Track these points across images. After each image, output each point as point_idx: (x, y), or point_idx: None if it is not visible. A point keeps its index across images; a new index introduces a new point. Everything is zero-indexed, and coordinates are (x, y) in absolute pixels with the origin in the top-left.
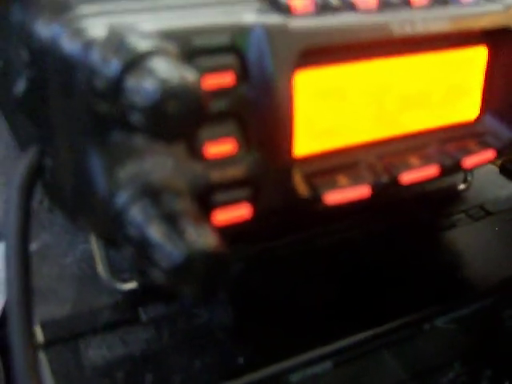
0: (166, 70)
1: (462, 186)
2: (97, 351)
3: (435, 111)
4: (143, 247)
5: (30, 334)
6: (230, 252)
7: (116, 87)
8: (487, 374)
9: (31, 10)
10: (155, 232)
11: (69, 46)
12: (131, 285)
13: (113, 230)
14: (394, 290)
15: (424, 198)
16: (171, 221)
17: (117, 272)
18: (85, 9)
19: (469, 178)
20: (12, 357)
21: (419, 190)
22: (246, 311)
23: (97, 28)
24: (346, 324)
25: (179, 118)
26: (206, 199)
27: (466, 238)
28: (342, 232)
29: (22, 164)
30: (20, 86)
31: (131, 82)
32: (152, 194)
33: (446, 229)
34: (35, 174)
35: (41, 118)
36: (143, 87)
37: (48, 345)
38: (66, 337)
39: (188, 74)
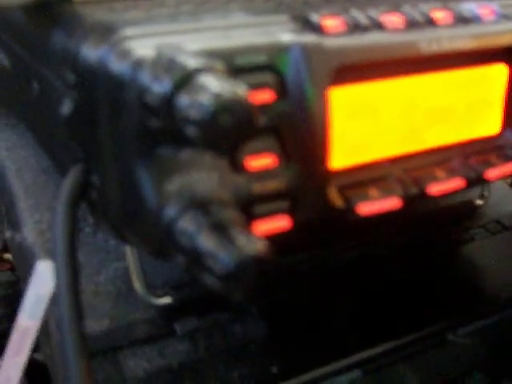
0: (218, 85)
1: (479, 202)
2: (136, 363)
3: (459, 126)
4: (195, 256)
5: (85, 346)
6: (277, 258)
7: (168, 103)
8: None
9: (76, 35)
10: (207, 240)
11: (117, 66)
12: (166, 300)
13: (162, 242)
14: (417, 302)
15: (443, 213)
16: (221, 230)
17: (152, 288)
18: (130, 31)
19: (485, 194)
20: (66, 367)
21: (438, 205)
22: (277, 325)
23: (144, 48)
24: (372, 335)
25: (232, 130)
26: (247, 211)
27: (485, 252)
28: (364, 247)
29: (67, 183)
30: (66, 108)
31: (184, 97)
32: (200, 205)
33: (465, 243)
34: (80, 192)
35: (87, 137)
36: (198, 102)
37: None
38: (105, 349)
39: (238, 89)
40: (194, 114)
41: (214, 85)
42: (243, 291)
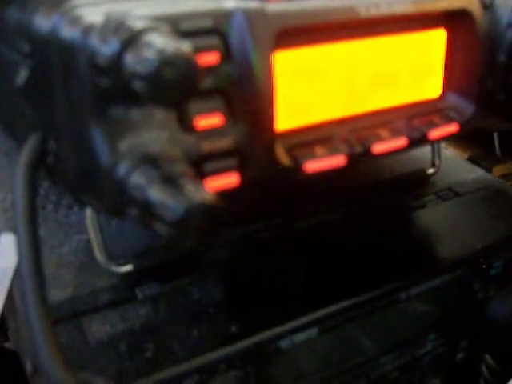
0: (162, 41)
1: (430, 171)
2: (99, 327)
3: (401, 89)
4: (147, 207)
5: (48, 310)
6: (221, 203)
7: (117, 62)
8: (463, 345)
9: (28, 7)
10: (157, 191)
11: (68, 33)
12: (127, 267)
13: (116, 198)
14: (371, 265)
15: (396, 182)
16: (171, 181)
17: (113, 257)
18: (79, 0)
19: (436, 163)
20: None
21: (391, 174)
22: (235, 288)
23: (93, 15)
24: (329, 295)
25: (176, 84)
26: (197, 168)
27: (437, 217)
28: (319, 216)
29: (25, 150)
30: (22, 77)
31: (131, 55)
32: (151, 161)
33: (418, 209)
34: (38, 158)
35: (43, 104)
36: (143, 57)
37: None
38: (69, 316)
39: (181, 45)
40: (140, 69)
41: (159, 41)
42: (192, 236)
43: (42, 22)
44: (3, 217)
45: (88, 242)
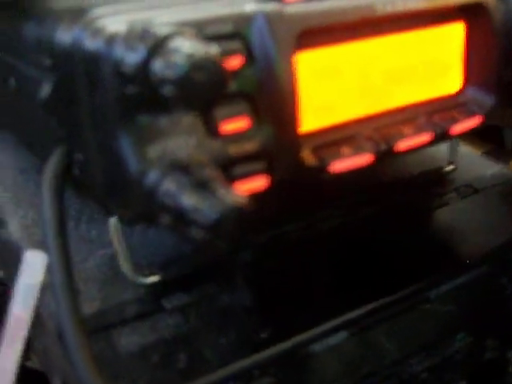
0: (190, 46)
1: (448, 168)
2: (129, 339)
3: (421, 85)
4: (180, 213)
5: (82, 324)
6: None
7: (144, 69)
8: (492, 344)
9: (48, 22)
10: (190, 197)
11: (92, 43)
12: (153, 278)
13: (146, 206)
14: (398, 265)
15: (415, 181)
16: (202, 186)
17: (138, 269)
18: (100, 11)
19: (454, 160)
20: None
21: (409, 173)
22: (263, 293)
23: (116, 24)
24: (357, 297)
25: (205, 87)
26: (226, 173)
27: (458, 214)
28: (341, 216)
29: (50, 164)
30: (44, 91)
31: (159, 61)
32: (181, 167)
33: (439, 206)
34: (64, 171)
35: (67, 116)
36: (172, 62)
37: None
38: (97, 329)
39: (209, 49)
40: (169, 74)
41: (187, 46)
42: (226, 239)
43: (64, 35)
44: (25, 233)
45: (111, 255)
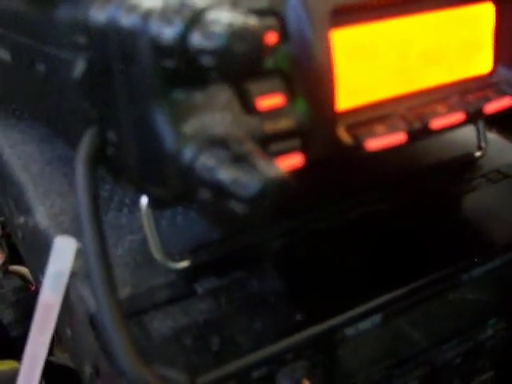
0: (229, 16)
1: (477, 154)
2: (162, 323)
3: (453, 65)
4: (219, 187)
5: (120, 308)
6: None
7: (182, 41)
8: None
9: (82, 2)
10: (230, 170)
11: (127, 19)
12: (184, 263)
13: (182, 183)
14: (428, 250)
15: (444, 166)
16: (241, 160)
17: (169, 254)
18: None
19: (483, 145)
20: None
21: (438, 159)
22: (294, 278)
23: (150, 0)
24: (390, 280)
25: (245, 57)
26: (262, 150)
27: (488, 199)
28: (370, 204)
29: (83, 145)
30: (78, 70)
31: (198, 32)
32: (218, 142)
33: (468, 192)
34: (97, 152)
35: (102, 94)
36: (212, 33)
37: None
38: (130, 314)
39: (249, 19)
40: (208, 44)
41: (226, 17)
42: (267, 212)
43: (98, 13)
44: (53, 222)
45: (140, 241)
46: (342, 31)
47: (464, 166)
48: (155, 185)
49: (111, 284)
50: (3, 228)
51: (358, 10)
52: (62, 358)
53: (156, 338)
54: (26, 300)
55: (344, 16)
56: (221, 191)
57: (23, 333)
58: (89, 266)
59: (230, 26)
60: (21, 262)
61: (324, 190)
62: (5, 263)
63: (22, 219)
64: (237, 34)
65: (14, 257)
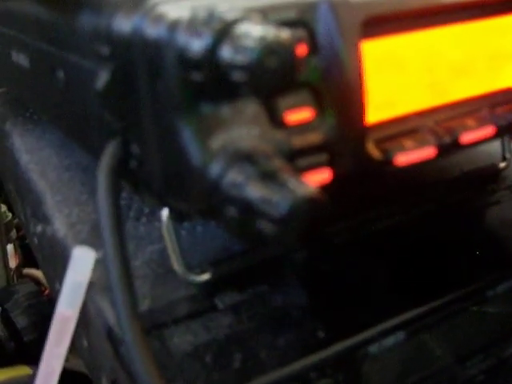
0: (261, 29)
1: (502, 165)
2: (182, 338)
3: (482, 78)
4: (247, 205)
5: (140, 322)
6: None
7: (211, 54)
8: None
9: (105, 10)
10: (258, 188)
11: (153, 30)
12: (205, 276)
13: (207, 199)
14: (453, 265)
15: (468, 178)
16: (270, 177)
17: (189, 267)
18: None
19: (507, 156)
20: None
21: (461, 171)
22: (317, 292)
23: (177, 10)
24: (414, 296)
25: (278, 72)
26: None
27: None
28: (395, 215)
29: (106, 157)
30: (101, 81)
31: (227, 46)
32: (246, 157)
33: (492, 204)
34: (120, 164)
35: (125, 106)
36: (243, 47)
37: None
38: (149, 328)
39: (281, 33)
40: (240, 59)
41: (257, 30)
42: (297, 232)
43: (123, 23)
44: (71, 231)
45: (160, 252)
46: (372, 43)
47: (488, 177)
48: (179, 199)
49: (132, 298)
50: (18, 231)
51: (388, 21)
52: (76, 363)
53: (176, 354)
54: (40, 305)
55: (374, 27)
56: (249, 209)
57: (37, 337)
58: (110, 280)
59: (263, 39)
60: (35, 265)
61: (348, 203)
62: (19, 267)
63: (39, 227)
64: (269, 49)
65: (28, 259)
